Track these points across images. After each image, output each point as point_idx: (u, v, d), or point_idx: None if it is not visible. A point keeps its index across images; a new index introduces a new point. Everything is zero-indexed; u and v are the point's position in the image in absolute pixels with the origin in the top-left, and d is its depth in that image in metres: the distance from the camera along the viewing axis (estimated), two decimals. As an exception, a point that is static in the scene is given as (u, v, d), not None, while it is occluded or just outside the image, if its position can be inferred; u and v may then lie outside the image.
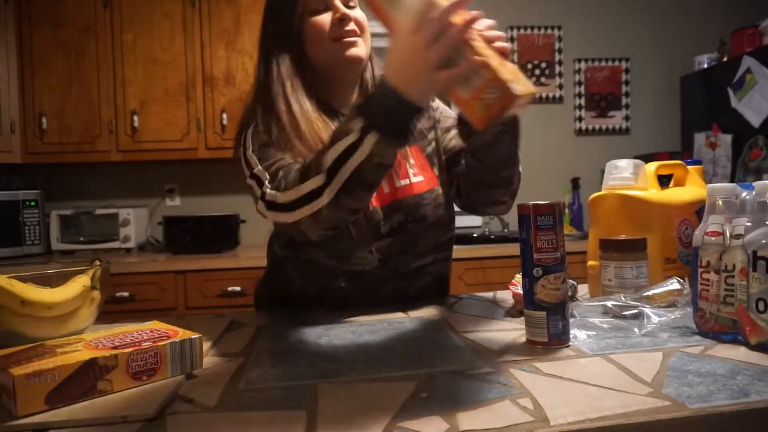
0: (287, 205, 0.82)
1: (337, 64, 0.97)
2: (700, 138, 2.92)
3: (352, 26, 0.96)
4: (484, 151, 0.94)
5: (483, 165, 0.96)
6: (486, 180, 1.00)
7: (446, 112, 1.13)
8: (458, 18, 0.66)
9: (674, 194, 0.97)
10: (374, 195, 0.98)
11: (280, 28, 0.99)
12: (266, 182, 0.88)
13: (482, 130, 0.77)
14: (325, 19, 0.96)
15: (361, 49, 0.97)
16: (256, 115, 1.00)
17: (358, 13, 0.99)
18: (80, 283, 0.79)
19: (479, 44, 0.67)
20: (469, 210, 1.10)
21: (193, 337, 0.66)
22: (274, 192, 0.85)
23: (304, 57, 0.99)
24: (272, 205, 0.85)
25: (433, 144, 1.08)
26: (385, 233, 0.99)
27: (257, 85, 1.06)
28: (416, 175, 1.02)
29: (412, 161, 1.03)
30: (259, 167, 0.91)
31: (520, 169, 1.00)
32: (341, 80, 1.02)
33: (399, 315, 0.95)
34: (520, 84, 0.65)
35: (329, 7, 0.97)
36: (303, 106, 0.96)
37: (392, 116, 0.71)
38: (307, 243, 0.96)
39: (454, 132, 1.08)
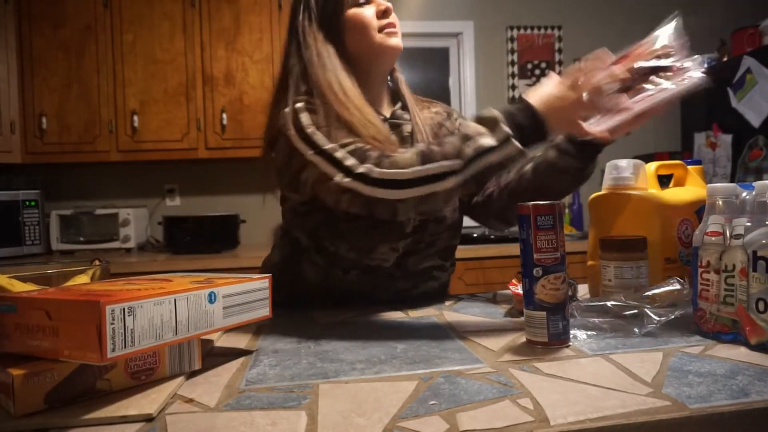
0: (401, 182, 0.83)
1: (381, 53, 1.02)
2: (700, 138, 2.92)
3: (394, 18, 1.03)
4: (554, 179, 1.00)
5: (546, 186, 1.02)
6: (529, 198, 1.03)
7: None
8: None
9: (674, 194, 0.97)
10: None
11: (323, 20, 1.02)
12: (350, 158, 0.87)
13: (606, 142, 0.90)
14: (369, 11, 1.01)
15: (400, 40, 1.03)
16: (302, 100, 0.99)
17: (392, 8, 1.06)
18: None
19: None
20: (481, 219, 1.14)
21: (192, 336, 0.66)
22: (374, 168, 0.85)
23: (344, 52, 1.02)
24: (375, 181, 0.85)
25: None
26: (409, 231, 1.02)
27: (299, 72, 1.04)
28: None
29: None
30: (331, 145, 0.90)
31: None
32: (374, 75, 1.06)
33: (399, 315, 0.95)
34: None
35: (370, 1, 1.02)
36: (357, 102, 0.97)
37: (529, 135, 0.81)
38: (334, 234, 1.00)
39: None
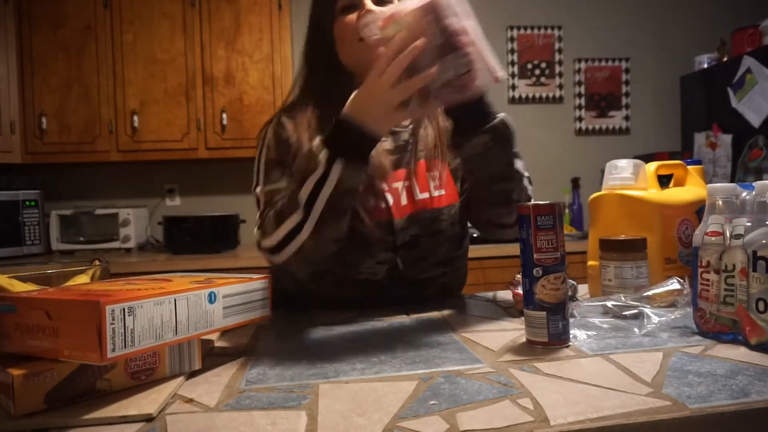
0: (273, 249, 0.87)
1: (365, 67, 0.92)
2: (700, 138, 2.92)
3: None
4: (475, 162, 0.90)
5: (476, 179, 0.94)
6: (482, 197, 0.97)
7: None
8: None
9: (674, 194, 0.97)
10: (394, 206, 0.98)
11: (318, 30, 0.99)
12: (258, 215, 0.93)
13: (469, 140, 0.84)
14: (352, 18, 0.93)
15: None
16: (283, 119, 1.02)
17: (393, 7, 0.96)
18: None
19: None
20: (480, 230, 1.06)
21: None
22: (259, 236, 0.89)
23: (340, 63, 0.98)
24: (260, 249, 0.90)
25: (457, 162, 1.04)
26: (399, 245, 0.98)
27: (295, 89, 1.06)
28: (438, 188, 1.01)
29: (435, 173, 1.01)
30: (261, 188, 0.96)
31: (528, 185, 0.95)
32: None
33: (399, 315, 0.95)
34: None
35: (359, 6, 0.93)
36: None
37: (354, 146, 0.78)
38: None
39: None
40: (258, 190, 0.97)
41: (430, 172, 1.01)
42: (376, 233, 0.96)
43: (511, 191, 0.93)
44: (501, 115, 0.87)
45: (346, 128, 0.78)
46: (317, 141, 0.81)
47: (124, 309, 0.54)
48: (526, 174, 0.96)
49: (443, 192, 1.01)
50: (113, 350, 0.53)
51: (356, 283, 0.99)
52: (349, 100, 0.79)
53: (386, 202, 0.98)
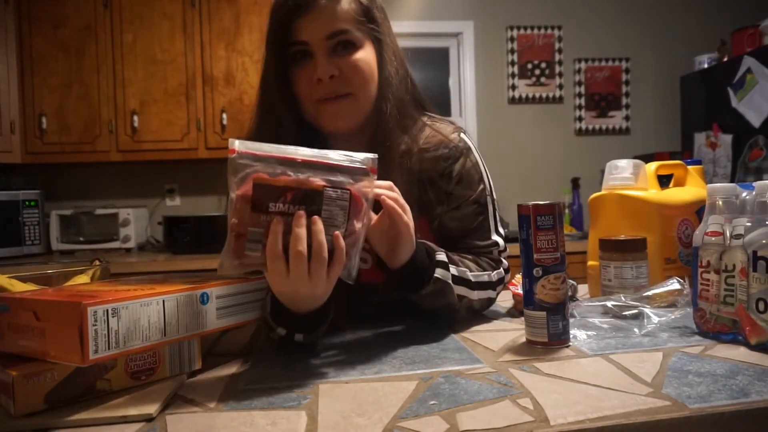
0: None
1: (322, 130, 0.85)
2: (700, 138, 2.92)
3: (334, 86, 0.80)
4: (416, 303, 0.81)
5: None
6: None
7: (467, 181, 0.91)
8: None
9: (674, 194, 0.97)
10: (373, 270, 0.85)
11: (272, 65, 0.84)
12: None
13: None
14: (303, 75, 0.81)
15: (346, 116, 0.83)
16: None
17: (350, 60, 0.81)
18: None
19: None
20: None
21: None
22: None
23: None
24: None
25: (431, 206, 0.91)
26: (379, 301, 0.92)
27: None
28: (364, 261, 0.86)
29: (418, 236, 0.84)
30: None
31: (474, 297, 0.84)
32: (336, 145, 0.86)
33: (399, 315, 0.95)
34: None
35: (312, 53, 0.80)
36: None
37: (303, 323, 0.70)
38: None
39: (456, 213, 0.90)
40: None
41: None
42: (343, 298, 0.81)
43: (446, 313, 0.85)
44: (436, 274, 0.77)
45: (290, 317, 0.69)
46: (268, 315, 0.72)
47: (107, 310, 0.54)
48: (480, 280, 0.85)
49: (368, 265, 0.88)
50: (96, 352, 0.53)
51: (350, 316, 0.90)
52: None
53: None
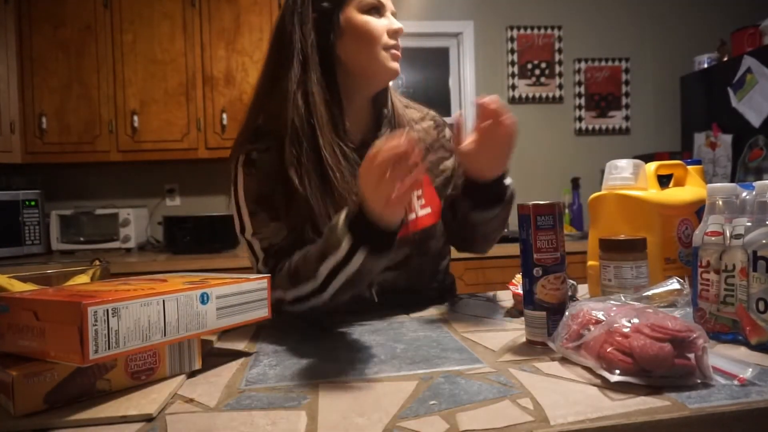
0: (285, 302, 0.87)
1: (379, 72, 0.96)
2: (700, 138, 2.92)
3: (399, 42, 0.97)
4: (479, 223, 0.97)
5: (473, 232, 0.99)
6: (466, 235, 1.04)
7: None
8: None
9: (674, 194, 0.97)
10: (433, 214, 1.02)
11: (317, 19, 0.93)
12: (260, 260, 0.93)
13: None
14: (380, 23, 0.94)
15: (399, 65, 0.98)
16: (253, 156, 0.95)
17: None
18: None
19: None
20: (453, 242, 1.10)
21: (192, 336, 0.66)
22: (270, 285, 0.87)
23: (331, 65, 0.94)
24: (272, 296, 0.88)
25: (447, 173, 1.06)
26: (389, 267, 0.96)
27: (265, 101, 0.98)
28: (423, 207, 1.00)
29: (419, 192, 1.00)
30: (251, 236, 0.94)
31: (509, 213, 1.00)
32: (361, 95, 1.00)
33: (399, 315, 0.95)
34: None
35: (381, 12, 0.95)
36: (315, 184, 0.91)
37: (375, 236, 0.77)
38: None
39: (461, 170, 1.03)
40: (248, 236, 0.94)
41: (416, 191, 0.99)
42: None
43: (495, 235, 1.02)
44: (511, 187, 0.95)
45: (365, 217, 0.76)
46: (341, 220, 0.79)
47: (107, 310, 0.54)
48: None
49: (429, 210, 1.01)
50: (96, 352, 0.53)
51: (349, 304, 0.93)
52: (360, 194, 0.77)
53: None
